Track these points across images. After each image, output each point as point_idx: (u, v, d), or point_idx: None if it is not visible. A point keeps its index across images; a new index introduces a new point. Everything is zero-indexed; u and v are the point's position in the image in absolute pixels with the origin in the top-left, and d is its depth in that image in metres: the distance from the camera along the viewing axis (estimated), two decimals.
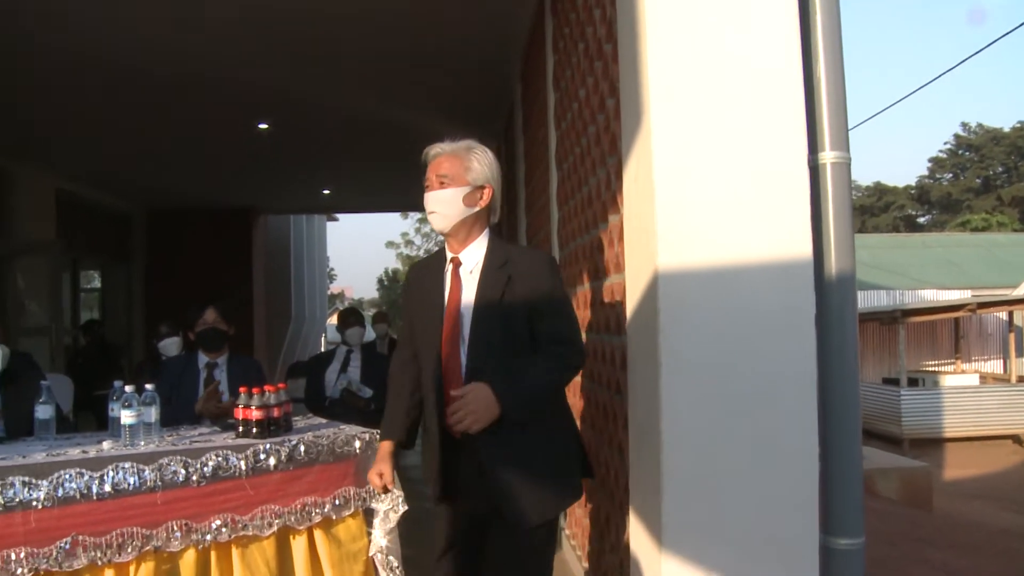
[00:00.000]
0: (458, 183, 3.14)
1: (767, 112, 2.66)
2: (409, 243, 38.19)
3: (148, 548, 3.11)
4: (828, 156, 2.76)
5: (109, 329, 13.86)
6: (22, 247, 11.07)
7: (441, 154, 3.23)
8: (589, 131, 3.97)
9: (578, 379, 4.61)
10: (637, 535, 2.99)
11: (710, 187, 2.67)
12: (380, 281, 45.37)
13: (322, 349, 21.03)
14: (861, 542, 2.77)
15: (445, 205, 3.14)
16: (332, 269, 35.97)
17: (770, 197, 2.65)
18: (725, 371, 2.65)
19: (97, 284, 15.54)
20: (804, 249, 2.65)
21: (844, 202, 2.78)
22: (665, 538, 2.65)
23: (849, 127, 2.84)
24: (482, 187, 3.15)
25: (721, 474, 2.65)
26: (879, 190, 55.34)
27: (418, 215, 34.66)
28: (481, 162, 3.17)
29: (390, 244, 43.01)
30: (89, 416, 7.53)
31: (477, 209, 3.13)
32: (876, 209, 54.19)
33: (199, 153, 11.00)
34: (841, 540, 2.75)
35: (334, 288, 39.60)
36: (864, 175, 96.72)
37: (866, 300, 23.83)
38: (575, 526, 4.70)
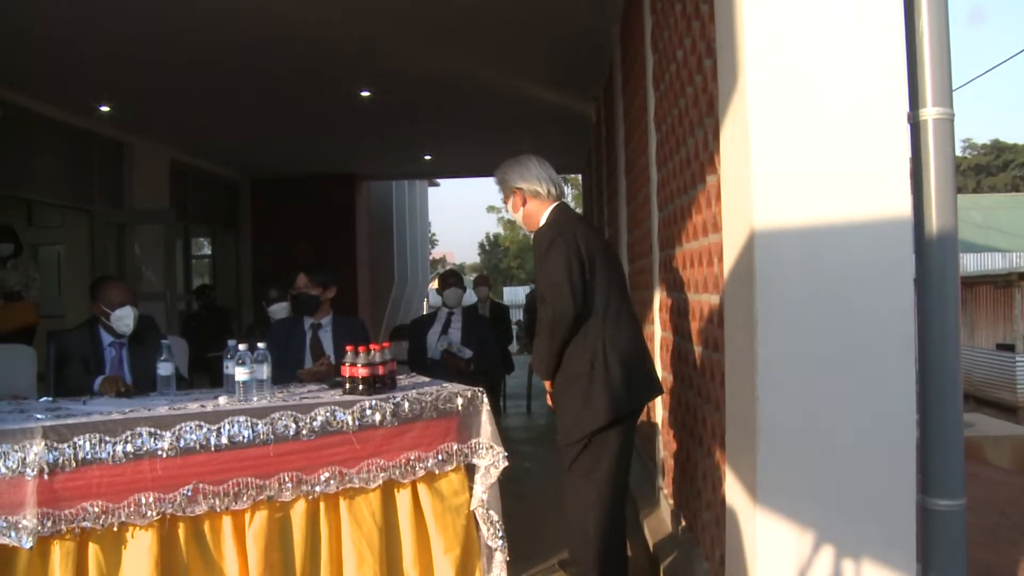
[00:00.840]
0: (508, 201, 4.13)
1: (866, 68, 2.63)
2: (507, 209, 38.26)
3: (262, 497, 3.28)
4: (929, 112, 2.71)
5: (219, 294, 14.37)
6: (139, 215, 11.53)
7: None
8: (687, 92, 3.96)
9: (671, 336, 4.63)
10: (733, 491, 3.02)
11: (807, 146, 2.66)
12: (481, 246, 45.73)
13: (424, 312, 21.34)
14: (961, 504, 2.74)
15: (518, 219, 4.16)
16: (434, 234, 36.32)
17: (868, 155, 2.63)
18: (821, 331, 2.65)
19: (208, 251, 16.07)
20: (903, 208, 2.62)
21: (946, 160, 2.72)
22: (760, 495, 2.68)
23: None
24: (513, 192, 4.03)
25: (817, 432, 2.65)
26: (997, 148, 53.13)
27: None
28: (503, 179, 4.08)
29: (491, 209, 43.14)
30: (203, 376, 7.86)
31: (526, 207, 4.03)
32: (993, 168, 52.09)
33: (303, 122, 11.24)
34: (940, 501, 2.72)
35: (435, 254, 40.03)
36: (981, 133, 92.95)
37: (979, 263, 22.98)
38: (672, 484, 4.74)
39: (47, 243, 13.77)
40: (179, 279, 13.47)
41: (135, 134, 11.47)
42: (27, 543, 2.89)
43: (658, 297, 5.26)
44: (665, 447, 5.08)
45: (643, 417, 6.06)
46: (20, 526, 2.90)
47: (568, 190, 34.10)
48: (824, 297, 2.65)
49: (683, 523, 4.35)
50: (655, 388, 4.08)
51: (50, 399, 3.78)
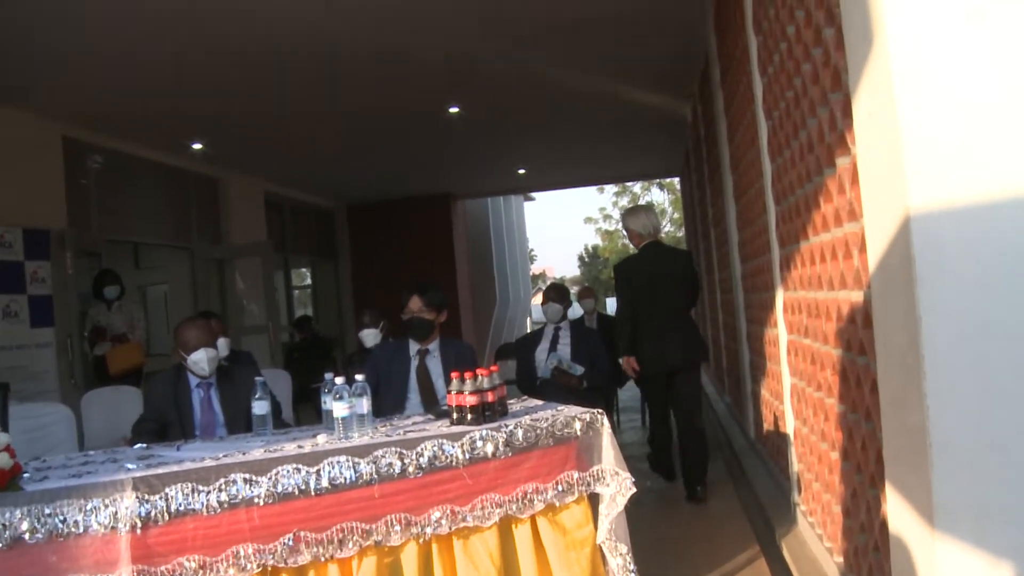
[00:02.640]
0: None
1: None
2: (607, 217, 37.47)
3: (369, 543, 3.02)
4: None
5: (322, 323, 14.41)
6: (237, 250, 11.57)
7: None
8: (803, 70, 3.57)
9: (799, 339, 4.24)
10: (899, 515, 2.61)
11: (966, 110, 2.26)
12: (580, 258, 45.33)
13: (528, 330, 21.13)
14: None
15: None
16: (532, 250, 36.08)
17: None
18: (998, 325, 2.25)
19: (308, 281, 16.14)
20: None
21: None
22: (939, 520, 2.28)
23: None
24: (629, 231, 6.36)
25: (1004, 446, 2.25)
26: None
27: (615, 188, 34.10)
28: (625, 222, 6.51)
29: (588, 220, 42.76)
30: (308, 408, 7.73)
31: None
32: None
33: (394, 144, 11.15)
34: None
35: (535, 269, 39.83)
36: None
37: None
38: (812, 501, 4.32)
39: (154, 283, 13.97)
40: (281, 311, 13.52)
41: (228, 169, 11.55)
42: None
43: (780, 297, 4.85)
44: (800, 459, 4.65)
45: (770, 427, 5.66)
46: None
47: (663, 196, 33.58)
48: (999, 287, 2.25)
49: (830, 545, 3.92)
50: (669, 363, 6.11)
51: (144, 446, 3.59)
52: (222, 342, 5.89)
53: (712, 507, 5.86)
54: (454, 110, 9.36)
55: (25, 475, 2.92)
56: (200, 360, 4.20)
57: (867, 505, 3.11)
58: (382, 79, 8.11)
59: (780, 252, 4.70)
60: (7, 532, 2.68)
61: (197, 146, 9.87)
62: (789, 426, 4.85)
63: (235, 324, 11.39)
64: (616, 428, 8.95)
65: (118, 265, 9.76)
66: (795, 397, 4.58)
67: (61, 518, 2.72)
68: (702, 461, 6.07)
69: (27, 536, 2.69)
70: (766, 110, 4.70)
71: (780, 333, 4.90)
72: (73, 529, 2.73)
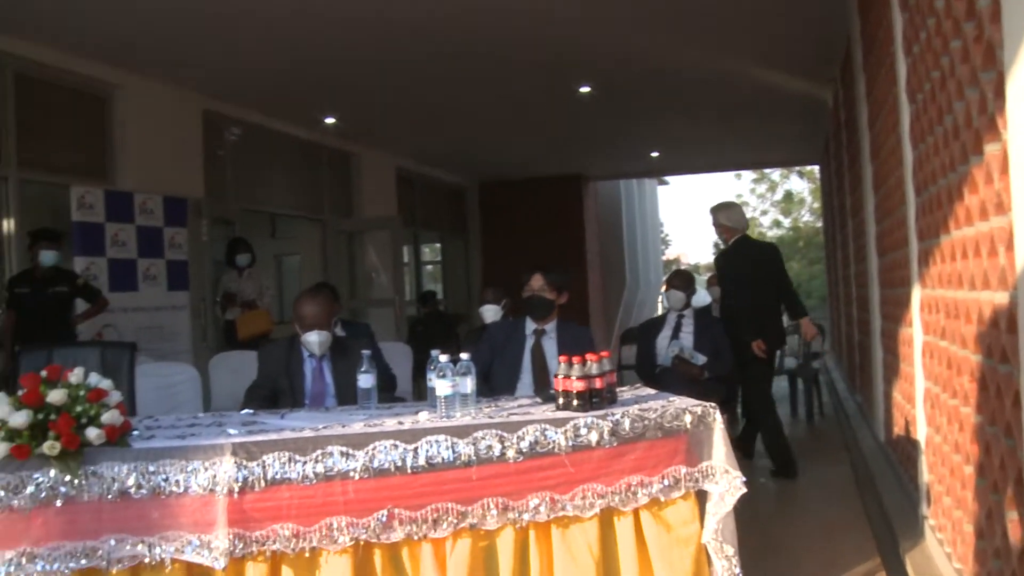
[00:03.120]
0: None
1: None
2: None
3: (463, 525, 2.96)
4: None
5: (450, 300, 14.51)
6: (367, 223, 11.75)
7: None
8: (951, 47, 3.30)
9: (936, 341, 3.97)
10: None
11: None
12: (716, 245, 44.40)
13: (645, 321, 20.85)
14: None
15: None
16: (667, 235, 35.50)
17: None
18: None
19: (437, 257, 16.28)
20: None
21: None
22: None
23: None
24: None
25: None
26: None
27: (753, 175, 33.22)
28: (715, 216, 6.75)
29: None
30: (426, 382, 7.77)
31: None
32: None
33: (527, 123, 11.11)
34: None
35: (669, 255, 39.22)
36: None
37: None
38: (942, 516, 4.05)
39: (289, 253, 14.35)
40: (409, 285, 13.68)
41: (361, 144, 11.73)
42: (220, 564, 2.76)
43: (917, 295, 4.56)
44: (931, 470, 4.37)
45: (900, 432, 5.36)
46: (212, 546, 2.76)
47: (803, 184, 32.54)
48: None
49: (960, 566, 3.66)
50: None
51: (251, 412, 3.63)
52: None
53: (833, 512, 5.60)
54: (585, 90, 9.22)
55: (135, 432, 2.97)
56: (312, 343, 4.21)
57: (1003, 529, 2.86)
58: (515, 58, 8.06)
59: (919, 246, 4.42)
60: (115, 485, 2.74)
61: (330, 120, 10.03)
62: (920, 433, 4.57)
63: (362, 296, 11.59)
64: (738, 421, 8.68)
65: (255, 234, 10.06)
66: (928, 402, 4.31)
67: (164, 476, 2.77)
68: None
69: (133, 491, 2.75)
70: (909, 93, 4.41)
71: (915, 333, 4.61)
72: (175, 488, 2.77)
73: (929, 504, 4.40)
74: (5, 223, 6.91)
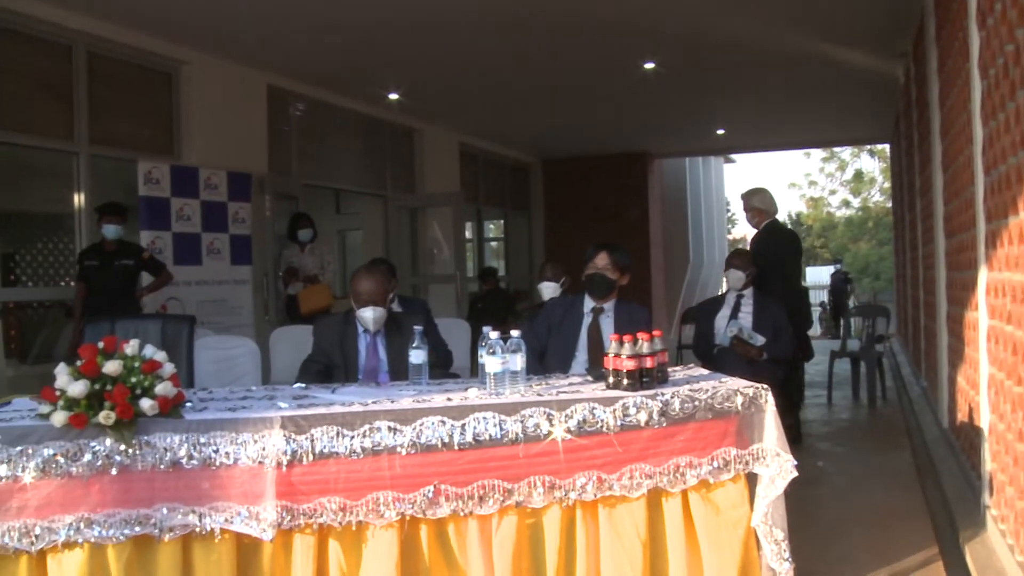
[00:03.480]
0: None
1: None
2: (813, 184, 35.85)
3: (510, 502, 2.97)
4: None
5: (511, 277, 14.51)
6: (429, 199, 11.80)
7: None
8: None
9: (1004, 328, 3.85)
10: None
11: None
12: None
13: (703, 300, 20.62)
14: None
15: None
16: (732, 214, 34.98)
17: None
18: None
19: (500, 233, 16.29)
20: None
21: None
22: None
23: None
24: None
25: None
26: None
27: (822, 153, 32.62)
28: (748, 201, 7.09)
29: (792, 185, 41.09)
30: None
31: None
32: None
33: (591, 100, 11.00)
34: None
35: (734, 234, 38.71)
36: None
37: None
38: (1005, 506, 3.94)
39: (352, 229, 14.47)
40: (471, 262, 13.71)
41: (424, 120, 11.74)
42: (268, 535, 2.81)
43: (983, 278, 4.43)
44: (994, 458, 4.25)
45: (964, 418, 5.23)
46: (261, 517, 2.82)
47: (874, 162, 31.88)
48: None
49: (1021, 558, 3.57)
50: None
51: (303, 386, 3.67)
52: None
53: (891, 498, 5.49)
54: (649, 66, 9.10)
55: (188, 404, 3.03)
56: (366, 319, 4.23)
57: None
58: (579, 33, 7.97)
59: (986, 227, 4.29)
60: (168, 455, 2.81)
61: (394, 96, 10.06)
62: (984, 420, 4.45)
63: (424, 272, 11.64)
64: (800, 404, 8.58)
65: (318, 210, 10.16)
66: (992, 389, 4.19)
67: (214, 448, 2.83)
68: None
69: (184, 461, 2.81)
70: (982, 68, 4.27)
71: (981, 317, 4.49)
72: (225, 460, 2.82)
73: (992, 494, 4.28)
74: (76, 198, 7.08)
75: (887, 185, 30.80)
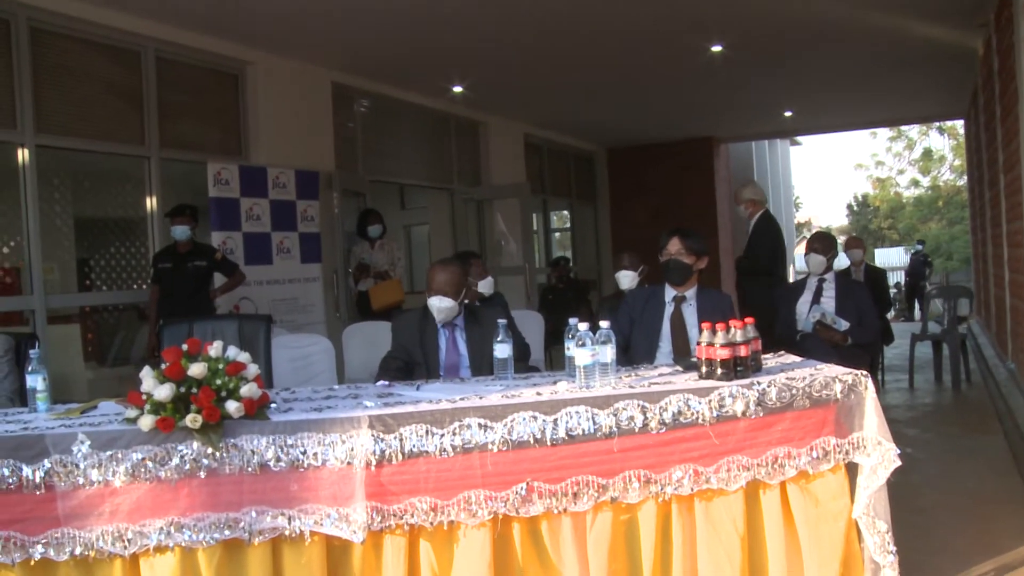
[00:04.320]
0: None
1: None
2: (880, 164, 34.99)
3: (604, 498, 2.88)
4: None
5: (579, 266, 14.41)
6: (495, 191, 11.74)
7: None
8: None
9: None
10: None
11: None
12: (849, 207, 42.98)
13: (790, 280, 20.25)
14: None
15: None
16: (797, 197, 34.45)
17: None
18: None
19: (567, 224, 16.18)
20: None
21: None
22: None
23: None
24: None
25: None
26: None
27: (890, 133, 31.88)
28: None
29: (859, 166, 40.40)
30: (561, 351, 7.70)
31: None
32: None
33: (655, 86, 10.86)
34: None
35: (800, 217, 38.15)
36: None
37: None
38: None
39: (418, 223, 14.49)
40: (538, 252, 13.63)
41: (488, 112, 11.68)
42: (359, 537, 2.76)
43: None
44: None
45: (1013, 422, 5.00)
46: (351, 519, 2.76)
47: (943, 140, 31.07)
48: None
49: None
50: None
51: (386, 383, 3.61)
52: (485, 282, 5.91)
53: (986, 485, 5.28)
54: (717, 49, 8.92)
55: (272, 405, 2.98)
56: (433, 307, 4.17)
57: None
58: (645, 18, 7.84)
59: None
60: (255, 458, 2.76)
61: (458, 89, 10.01)
62: None
63: (492, 265, 11.59)
64: (881, 390, 8.35)
65: (384, 205, 10.16)
66: None
67: (302, 449, 2.77)
68: None
69: (272, 463, 2.77)
70: None
71: None
72: (312, 461, 2.77)
73: None
74: (148, 202, 7.16)
75: (958, 163, 30.03)
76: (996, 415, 7.25)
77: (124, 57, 6.96)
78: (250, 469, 2.75)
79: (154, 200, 7.10)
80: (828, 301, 6.00)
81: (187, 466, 2.70)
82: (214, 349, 2.85)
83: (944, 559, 3.92)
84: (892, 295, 14.70)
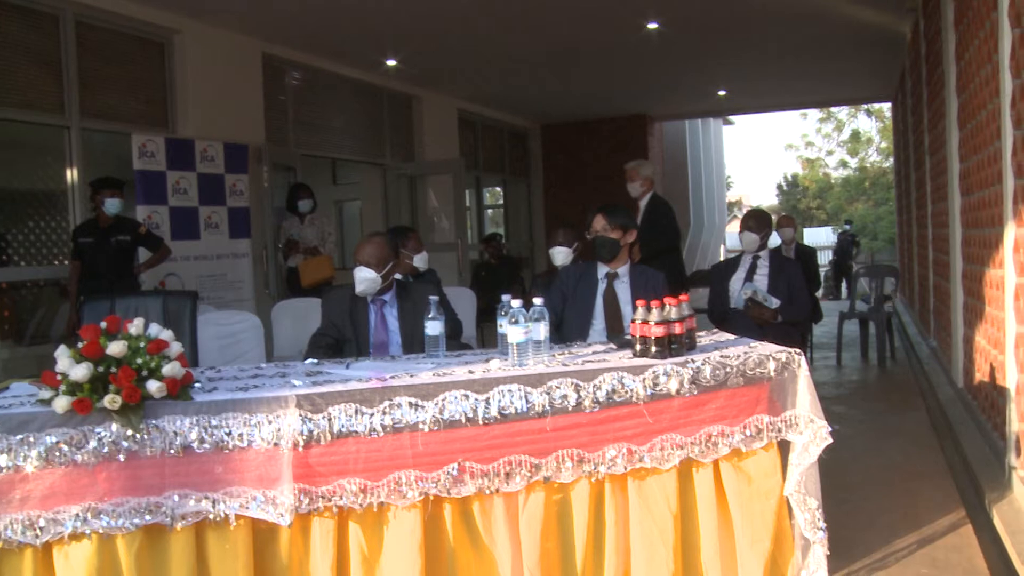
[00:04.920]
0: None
1: None
2: (810, 145, 35.54)
3: (537, 478, 2.85)
4: None
5: (512, 243, 14.36)
6: (429, 167, 11.63)
7: None
8: None
9: None
10: None
11: None
12: (779, 187, 43.64)
13: (721, 258, 20.46)
14: None
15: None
16: (729, 176, 34.80)
17: None
18: None
19: (500, 200, 16.13)
20: None
21: None
22: None
23: None
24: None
25: None
26: None
27: (820, 114, 32.37)
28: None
29: (789, 147, 40.97)
30: (492, 328, 7.66)
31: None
32: None
33: (590, 63, 10.84)
34: None
35: (731, 196, 38.56)
36: None
37: None
38: None
39: (349, 199, 14.31)
40: (471, 229, 13.56)
41: (422, 87, 11.55)
42: (286, 520, 2.67)
43: (1010, 235, 4.28)
44: (1022, 418, 4.13)
45: (984, 378, 5.11)
46: (277, 501, 2.68)
47: (871, 122, 31.67)
48: None
49: None
50: None
51: (315, 361, 3.52)
52: (420, 257, 5.84)
53: (911, 460, 5.38)
54: (653, 26, 8.91)
55: (196, 384, 2.88)
56: (357, 278, 4.10)
57: None
58: None
59: (1015, 183, 4.13)
60: (178, 440, 2.66)
61: (391, 63, 9.86)
62: (1010, 380, 4.32)
63: (425, 241, 11.49)
64: (809, 366, 8.48)
65: (315, 180, 9.98)
66: (1021, 348, 4.05)
67: (227, 430, 2.68)
68: None
69: (195, 445, 2.67)
70: (1013, 17, 4.09)
71: (1007, 275, 4.34)
72: (238, 442, 2.68)
73: (1019, 454, 4.16)
74: (68, 173, 6.92)
75: (885, 145, 30.60)
76: (919, 392, 7.41)
77: (40, 21, 6.69)
78: (172, 451, 2.65)
79: (75, 172, 6.87)
80: (761, 279, 6.03)
81: (105, 449, 2.59)
82: (135, 327, 2.73)
83: (872, 534, 3.97)
84: (823, 274, 14.96)
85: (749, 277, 6.04)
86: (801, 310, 5.97)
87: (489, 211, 16.33)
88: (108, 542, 2.58)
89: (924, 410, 6.70)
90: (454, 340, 4.26)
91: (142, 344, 2.69)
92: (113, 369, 2.61)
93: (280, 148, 8.90)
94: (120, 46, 7.41)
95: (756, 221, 6.18)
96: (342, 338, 4.12)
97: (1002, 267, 4.44)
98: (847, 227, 21.24)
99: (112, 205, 6.31)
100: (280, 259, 8.49)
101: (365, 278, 4.09)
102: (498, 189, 16.15)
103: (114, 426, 2.60)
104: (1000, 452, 4.52)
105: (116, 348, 2.63)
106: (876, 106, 29.06)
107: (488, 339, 6.16)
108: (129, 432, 2.60)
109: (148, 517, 2.60)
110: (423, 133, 11.82)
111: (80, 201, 6.82)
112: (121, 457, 2.60)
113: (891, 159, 22.56)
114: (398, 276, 4.28)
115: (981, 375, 5.25)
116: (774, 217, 7.21)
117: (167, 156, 7.36)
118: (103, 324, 2.70)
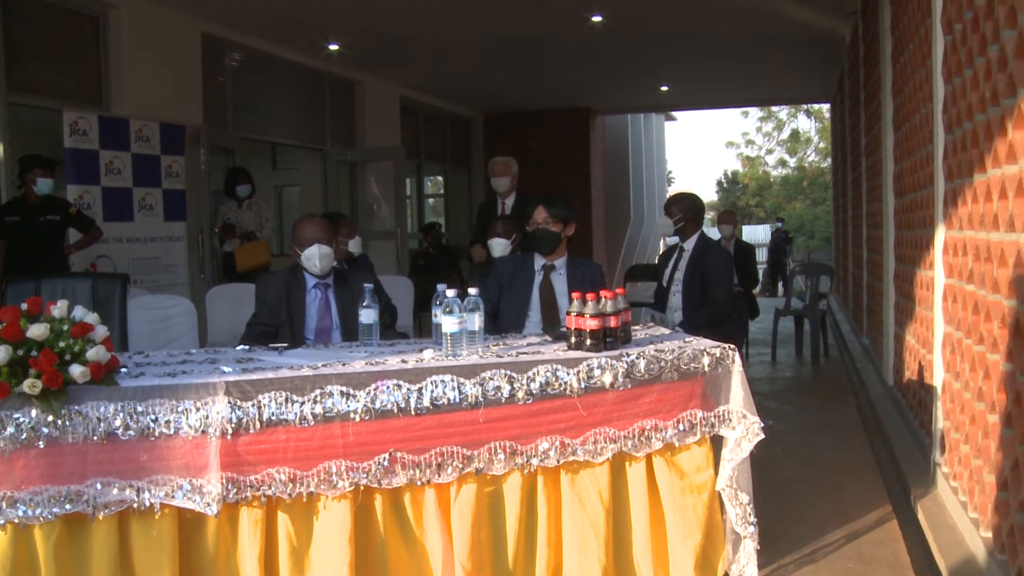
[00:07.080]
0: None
1: None
2: (750, 143, 36.20)
3: (469, 470, 2.84)
4: None
5: (452, 233, 14.30)
6: (369, 154, 11.52)
7: None
8: None
9: (964, 286, 3.78)
10: None
11: None
12: (719, 183, 44.17)
13: (660, 252, 20.64)
14: None
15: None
16: (670, 172, 35.14)
17: None
18: None
19: (441, 189, 16.05)
20: None
21: None
22: None
23: None
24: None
25: None
26: None
27: (760, 113, 32.84)
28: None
29: (730, 144, 41.46)
30: (430, 317, 7.62)
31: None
32: None
33: (534, 54, 10.82)
34: None
35: (671, 191, 38.87)
36: None
37: None
38: (958, 464, 3.90)
39: (289, 184, 14.12)
40: (411, 217, 13.47)
41: (365, 72, 11.42)
42: (213, 509, 2.62)
43: (940, 236, 4.36)
44: (947, 417, 4.21)
45: (913, 376, 5.20)
46: (204, 490, 2.63)
47: (811, 123, 32.22)
48: None
49: (976, 516, 3.53)
50: None
51: (246, 348, 3.46)
52: (355, 242, 5.77)
53: (842, 456, 5.47)
54: (597, 19, 8.92)
55: (123, 370, 2.82)
56: (312, 256, 4.00)
57: None
58: None
59: (946, 186, 4.20)
60: (102, 426, 2.60)
61: (334, 47, 9.74)
62: (937, 378, 4.41)
63: (363, 229, 11.39)
64: (745, 362, 8.57)
65: (254, 164, 9.83)
66: (948, 348, 4.13)
67: (153, 417, 2.62)
68: None
69: (120, 432, 2.61)
70: (945, 23, 4.15)
71: (936, 276, 4.43)
72: (164, 430, 2.63)
73: (944, 451, 4.25)
74: None
75: (823, 145, 31.13)
76: (851, 389, 7.54)
77: None
78: (96, 438, 2.58)
79: (1, 148, 6.65)
80: (680, 271, 5.85)
81: (23, 435, 2.51)
82: (58, 309, 2.66)
83: (802, 529, 4.02)
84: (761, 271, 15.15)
85: (674, 269, 5.87)
86: (716, 309, 5.40)
87: (430, 200, 16.22)
88: (25, 532, 2.51)
89: (855, 407, 6.82)
90: (390, 329, 4.21)
91: (65, 327, 2.62)
92: (34, 352, 2.53)
93: (219, 130, 8.72)
94: (50, 18, 7.15)
95: (675, 205, 5.81)
96: (278, 324, 4.04)
97: (932, 268, 4.52)
98: (779, 225, 21.55)
99: (44, 185, 6.13)
100: (216, 243, 8.34)
101: (326, 254, 4.02)
102: (439, 178, 16.07)
103: (34, 412, 2.52)
104: (926, 449, 4.62)
105: (37, 331, 2.55)
106: (816, 107, 29.57)
107: (425, 328, 6.11)
108: (50, 418, 2.53)
109: (68, 506, 2.53)
110: (365, 119, 11.69)
111: (7, 178, 6.59)
112: (40, 444, 2.53)
113: (829, 159, 22.92)
114: (334, 262, 4.21)
115: (910, 373, 5.35)
116: (713, 213, 7.22)
117: (100, 135, 7.15)
118: (24, 305, 2.62)
